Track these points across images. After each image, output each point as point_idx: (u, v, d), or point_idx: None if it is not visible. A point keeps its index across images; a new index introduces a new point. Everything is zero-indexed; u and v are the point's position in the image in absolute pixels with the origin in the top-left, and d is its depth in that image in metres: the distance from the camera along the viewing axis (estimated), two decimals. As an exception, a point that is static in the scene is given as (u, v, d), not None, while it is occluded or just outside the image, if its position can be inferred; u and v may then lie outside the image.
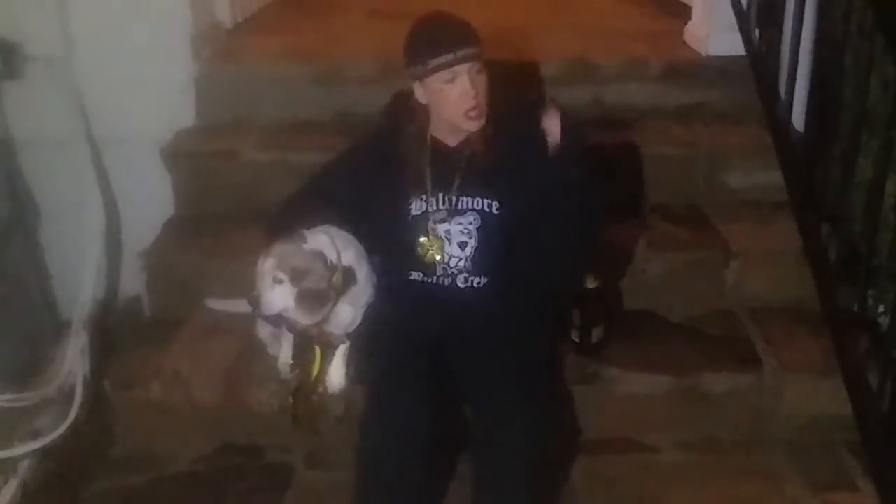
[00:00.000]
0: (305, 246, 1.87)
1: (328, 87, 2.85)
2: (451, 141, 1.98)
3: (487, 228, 1.96)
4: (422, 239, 1.97)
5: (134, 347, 2.39)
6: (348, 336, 2.04)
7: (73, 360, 2.42)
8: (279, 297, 1.85)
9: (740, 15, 2.67)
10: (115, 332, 2.59)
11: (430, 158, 1.98)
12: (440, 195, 1.98)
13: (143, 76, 2.71)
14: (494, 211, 1.96)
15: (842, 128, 2.17)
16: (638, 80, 2.87)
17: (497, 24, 3.30)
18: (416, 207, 1.98)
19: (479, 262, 1.98)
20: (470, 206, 1.97)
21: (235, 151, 2.68)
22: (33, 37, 2.59)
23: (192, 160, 2.70)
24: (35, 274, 2.74)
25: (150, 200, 2.69)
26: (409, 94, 1.96)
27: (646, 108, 2.84)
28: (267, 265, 1.86)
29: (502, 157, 1.95)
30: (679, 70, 2.87)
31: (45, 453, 2.23)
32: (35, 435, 2.24)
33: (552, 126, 1.92)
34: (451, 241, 1.97)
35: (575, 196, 1.92)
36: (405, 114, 1.98)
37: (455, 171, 1.97)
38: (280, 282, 1.85)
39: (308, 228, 1.92)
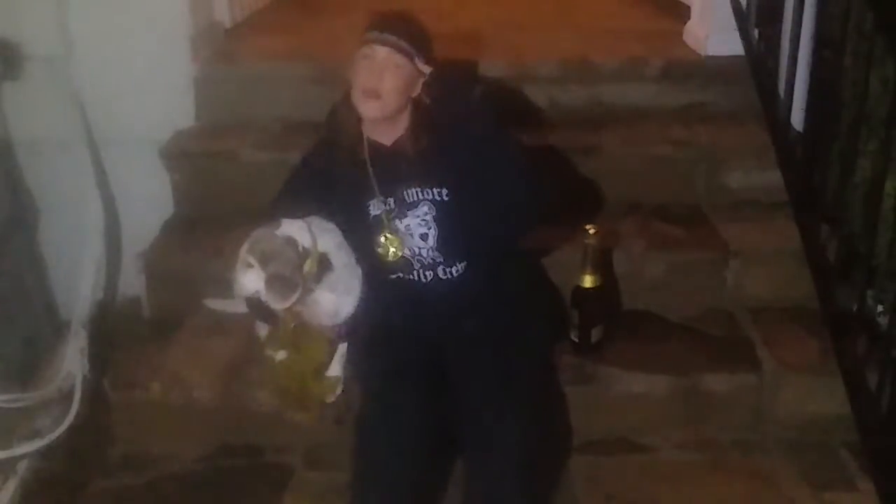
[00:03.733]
0: (277, 231, 1.88)
1: (328, 87, 2.84)
2: (386, 140, 2.00)
3: (443, 216, 1.98)
4: (381, 239, 1.99)
5: (133, 347, 2.40)
6: (342, 331, 2.04)
7: (73, 361, 2.42)
8: (250, 280, 1.87)
9: (739, 15, 2.67)
10: (114, 332, 2.60)
11: (370, 160, 2.00)
12: (390, 193, 1.99)
13: (143, 76, 2.72)
14: (445, 198, 1.97)
15: (841, 128, 2.17)
16: (637, 80, 2.87)
17: (497, 23, 3.33)
18: (375, 208, 2.01)
19: (447, 249, 1.99)
20: (420, 198, 1.98)
21: (235, 152, 2.69)
22: (33, 37, 2.59)
23: (191, 160, 2.70)
24: (34, 274, 2.74)
25: (150, 201, 2.70)
26: (343, 101, 1.98)
27: (645, 108, 2.84)
28: (242, 250, 1.88)
29: (439, 147, 1.96)
30: (678, 70, 2.87)
31: (44, 453, 2.23)
32: (35, 435, 2.24)
33: None
34: (412, 234, 1.99)
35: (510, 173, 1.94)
36: (340, 121, 2.01)
37: (396, 167, 1.98)
38: (251, 266, 1.86)
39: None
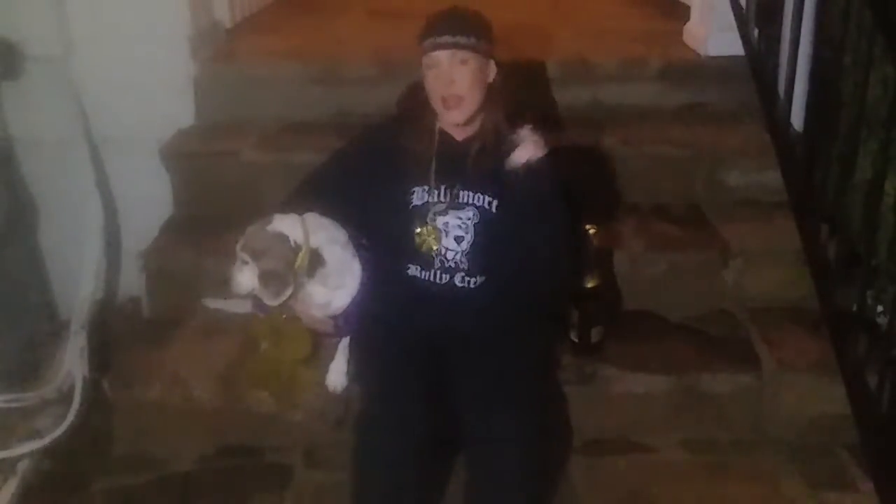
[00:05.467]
0: (269, 227, 1.89)
1: (328, 87, 2.86)
2: (458, 135, 2.00)
3: (484, 225, 1.98)
4: (419, 229, 1.98)
5: (133, 347, 2.40)
6: (339, 326, 2.04)
7: (73, 361, 2.42)
8: (246, 278, 1.88)
9: (739, 15, 2.67)
10: (114, 332, 2.60)
11: (436, 150, 1.99)
12: (442, 188, 1.99)
13: (143, 76, 2.72)
14: (493, 209, 1.97)
15: (841, 128, 2.17)
16: (637, 80, 2.87)
17: (497, 23, 3.32)
18: (418, 198, 2.00)
19: (475, 259, 1.99)
20: (470, 202, 1.98)
21: (235, 152, 2.68)
22: (33, 37, 2.59)
23: (191, 160, 2.70)
24: (34, 274, 2.74)
25: (149, 201, 2.70)
26: (420, 87, 1.98)
27: (645, 108, 2.85)
28: (237, 247, 1.89)
29: (505, 158, 1.95)
30: (678, 70, 2.87)
31: (44, 453, 2.23)
32: (34, 435, 2.25)
33: (519, 155, 1.94)
34: (447, 234, 1.98)
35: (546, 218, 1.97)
36: (417, 104, 2.01)
37: (459, 165, 1.98)
38: (246, 263, 1.88)
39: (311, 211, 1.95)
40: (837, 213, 2.10)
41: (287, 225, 1.90)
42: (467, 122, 1.97)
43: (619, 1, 3.69)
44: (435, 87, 1.92)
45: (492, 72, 1.95)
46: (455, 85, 1.90)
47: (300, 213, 1.93)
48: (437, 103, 1.94)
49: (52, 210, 2.77)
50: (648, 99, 2.86)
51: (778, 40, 2.39)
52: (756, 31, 2.55)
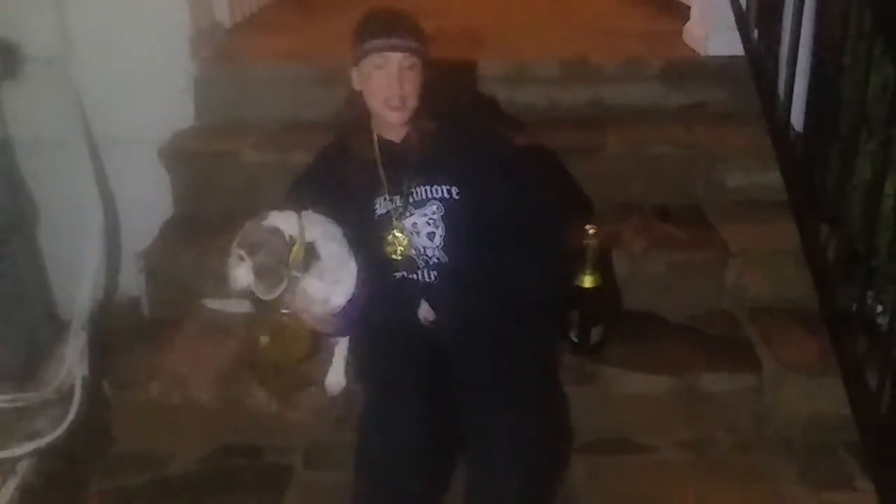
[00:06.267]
0: (264, 223, 1.90)
1: (328, 87, 2.85)
2: (396, 137, 2.01)
3: (452, 215, 1.98)
4: (388, 237, 1.99)
5: (133, 348, 2.40)
6: (338, 326, 2.04)
7: (73, 361, 2.42)
8: (242, 273, 1.89)
9: (739, 15, 2.67)
10: (114, 332, 2.60)
11: (380, 158, 2.00)
12: (399, 191, 2.00)
13: (142, 76, 2.72)
14: (455, 196, 1.98)
15: (840, 128, 2.17)
16: (637, 80, 2.87)
17: (497, 23, 3.33)
18: (381, 207, 2.01)
19: (453, 251, 1.99)
20: (430, 196, 1.99)
21: (234, 152, 2.68)
22: (33, 37, 2.59)
23: (191, 161, 2.70)
24: (34, 274, 2.74)
25: (149, 201, 2.70)
26: (353, 99, 1.99)
27: (645, 108, 2.85)
28: (234, 243, 1.90)
29: (450, 147, 1.97)
30: (678, 70, 2.87)
31: (44, 453, 2.23)
32: (34, 435, 2.24)
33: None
34: (419, 233, 1.99)
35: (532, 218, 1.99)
36: (354, 116, 2.02)
37: (405, 164, 1.99)
38: (242, 259, 1.88)
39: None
40: (837, 212, 2.10)
41: (282, 220, 1.90)
42: (405, 123, 1.97)
43: (619, 1, 3.69)
44: (379, 88, 1.91)
45: (425, 75, 1.95)
46: (402, 87, 1.89)
47: (297, 210, 1.93)
48: (378, 105, 1.93)
49: (52, 210, 2.77)
50: (648, 99, 2.86)
51: (778, 40, 2.39)
52: (756, 31, 2.55)
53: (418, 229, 1.99)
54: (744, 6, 2.64)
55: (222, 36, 3.13)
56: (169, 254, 2.54)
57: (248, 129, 2.79)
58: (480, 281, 1.98)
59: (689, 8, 3.10)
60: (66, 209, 2.72)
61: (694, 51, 2.94)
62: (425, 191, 1.99)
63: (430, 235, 1.99)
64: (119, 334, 2.56)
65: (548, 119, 2.80)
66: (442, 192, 1.98)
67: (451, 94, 1.99)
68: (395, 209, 1.99)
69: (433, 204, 1.98)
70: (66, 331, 2.54)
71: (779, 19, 2.38)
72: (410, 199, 1.99)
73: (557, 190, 2.06)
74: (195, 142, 2.77)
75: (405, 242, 1.99)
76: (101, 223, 2.67)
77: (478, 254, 2.00)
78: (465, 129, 2.01)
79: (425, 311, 2.01)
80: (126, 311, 2.69)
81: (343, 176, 2.03)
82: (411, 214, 1.99)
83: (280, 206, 2.01)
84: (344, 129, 2.06)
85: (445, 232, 1.99)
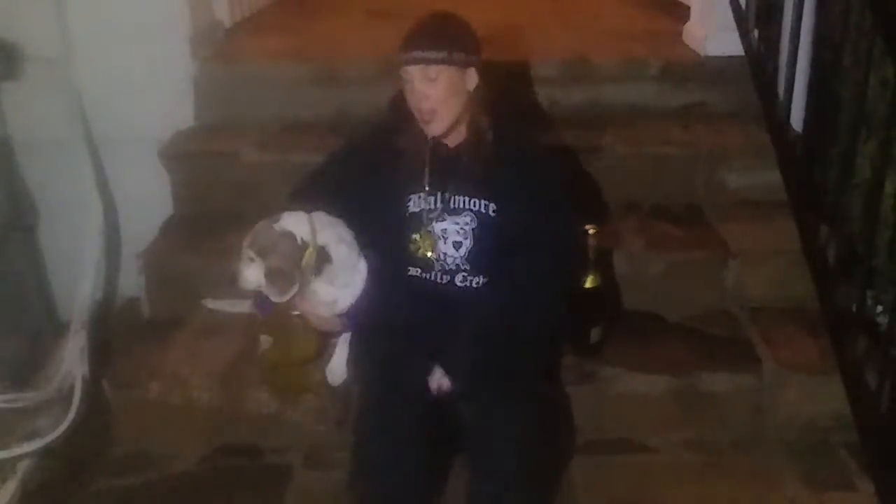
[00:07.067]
0: (276, 225, 1.89)
1: (327, 87, 2.86)
2: (450, 141, 1.99)
3: (484, 230, 1.97)
4: (414, 236, 1.98)
5: (132, 348, 2.40)
6: (346, 326, 2.04)
7: (72, 361, 2.42)
8: (253, 274, 1.89)
9: (739, 15, 2.67)
10: (113, 332, 2.59)
11: (429, 157, 1.99)
12: (437, 193, 1.98)
13: (142, 76, 2.72)
14: (491, 213, 1.97)
15: (840, 128, 2.17)
16: (637, 80, 2.87)
17: (497, 23, 3.32)
18: (414, 204, 1.99)
19: (476, 262, 1.98)
20: (466, 206, 1.97)
21: (234, 152, 2.69)
22: (33, 37, 2.59)
23: (190, 160, 2.70)
24: (34, 274, 2.74)
25: (149, 201, 2.70)
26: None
27: (645, 108, 2.85)
28: (244, 243, 1.90)
29: (500, 163, 1.96)
30: (678, 70, 2.87)
31: (44, 453, 2.22)
32: (34, 435, 2.24)
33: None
34: (446, 239, 1.98)
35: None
36: (408, 110, 1.99)
37: (453, 170, 1.98)
38: (252, 260, 1.88)
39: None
40: (837, 212, 2.10)
41: (294, 222, 1.90)
42: (450, 131, 1.95)
43: (619, 1, 3.69)
44: (410, 101, 1.91)
45: (471, 80, 1.91)
46: (428, 100, 1.88)
47: (308, 211, 1.93)
48: (416, 115, 1.93)
49: (52, 210, 2.77)
50: (648, 99, 2.86)
51: (778, 40, 2.39)
52: (756, 32, 2.55)
53: (447, 235, 1.98)
54: (743, 6, 2.64)
55: (222, 36, 3.13)
56: (169, 254, 2.54)
57: (248, 129, 2.79)
58: (492, 326, 1.93)
59: (689, 8, 3.10)
60: (65, 209, 2.72)
61: (694, 51, 2.94)
62: (464, 200, 1.97)
63: (457, 245, 1.98)
64: (119, 334, 2.56)
65: (548, 119, 2.80)
66: (480, 205, 1.97)
67: (499, 100, 1.96)
68: (429, 210, 1.98)
69: (468, 215, 1.97)
70: (66, 331, 2.54)
71: (778, 19, 2.39)
72: (447, 205, 1.98)
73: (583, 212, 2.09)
74: (195, 142, 2.77)
75: (429, 245, 1.98)
76: (101, 223, 2.67)
77: (497, 271, 1.98)
78: (516, 146, 1.99)
79: (439, 378, 1.91)
80: (125, 311, 2.69)
81: (383, 162, 2.00)
82: (444, 220, 1.98)
83: (301, 188, 2.01)
84: (398, 121, 2.02)
85: (473, 245, 1.97)
